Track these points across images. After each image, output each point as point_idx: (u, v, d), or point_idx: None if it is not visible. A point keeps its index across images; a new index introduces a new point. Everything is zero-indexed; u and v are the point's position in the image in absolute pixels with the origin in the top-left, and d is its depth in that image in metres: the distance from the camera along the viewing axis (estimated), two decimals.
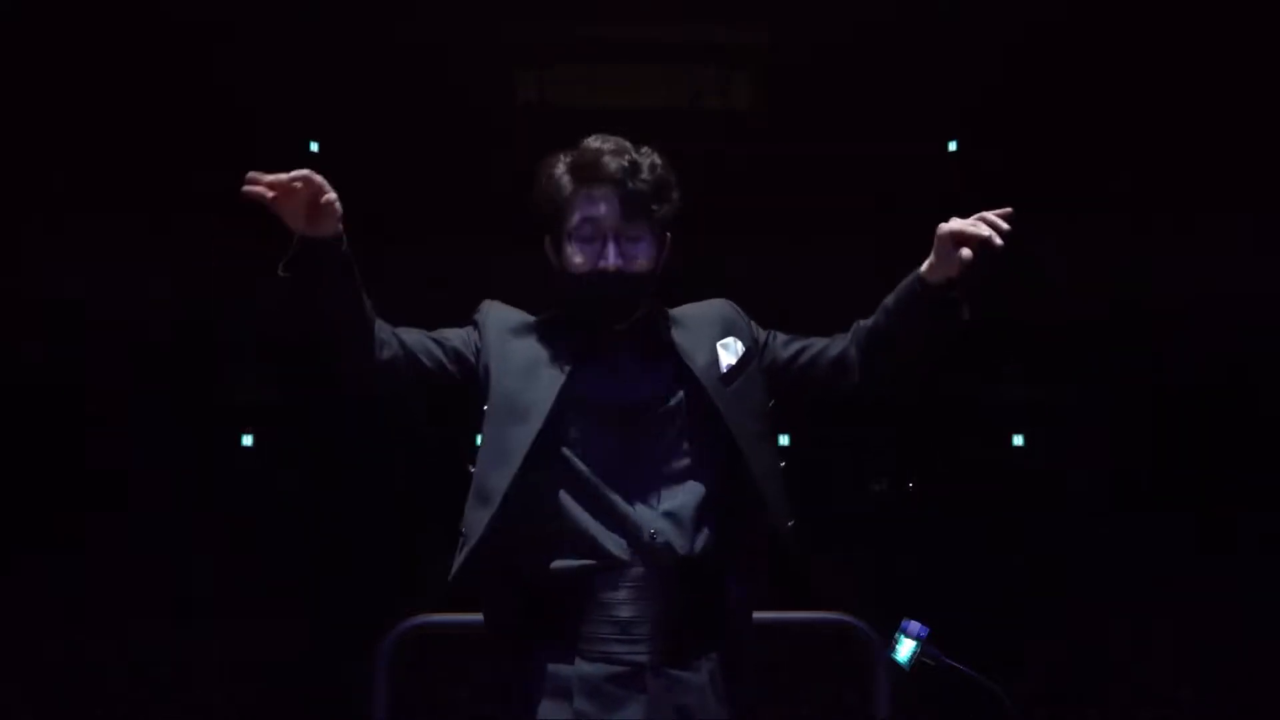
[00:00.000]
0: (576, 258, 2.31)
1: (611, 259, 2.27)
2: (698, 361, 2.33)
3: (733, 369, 2.34)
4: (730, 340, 2.37)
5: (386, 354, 2.22)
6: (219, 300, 14.29)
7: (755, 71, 15.18)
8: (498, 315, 2.42)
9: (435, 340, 2.36)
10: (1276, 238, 14.01)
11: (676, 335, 2.37)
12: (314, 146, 15.19)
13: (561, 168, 2.36)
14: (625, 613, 2.21)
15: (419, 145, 14.16)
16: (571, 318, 2.38)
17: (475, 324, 2.41)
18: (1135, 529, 13.99)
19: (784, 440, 17.27)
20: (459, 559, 2.26)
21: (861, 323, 2.39)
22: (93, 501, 14.20)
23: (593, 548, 2.22)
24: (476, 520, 2.24)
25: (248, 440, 16.49)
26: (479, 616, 2.38)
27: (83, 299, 14.10)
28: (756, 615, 2.48)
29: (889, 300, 2.32)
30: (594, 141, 2.34)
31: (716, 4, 13.87)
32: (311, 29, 13.16)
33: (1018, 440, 17.06)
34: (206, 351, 15.27)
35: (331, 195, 2.16)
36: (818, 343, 2.42)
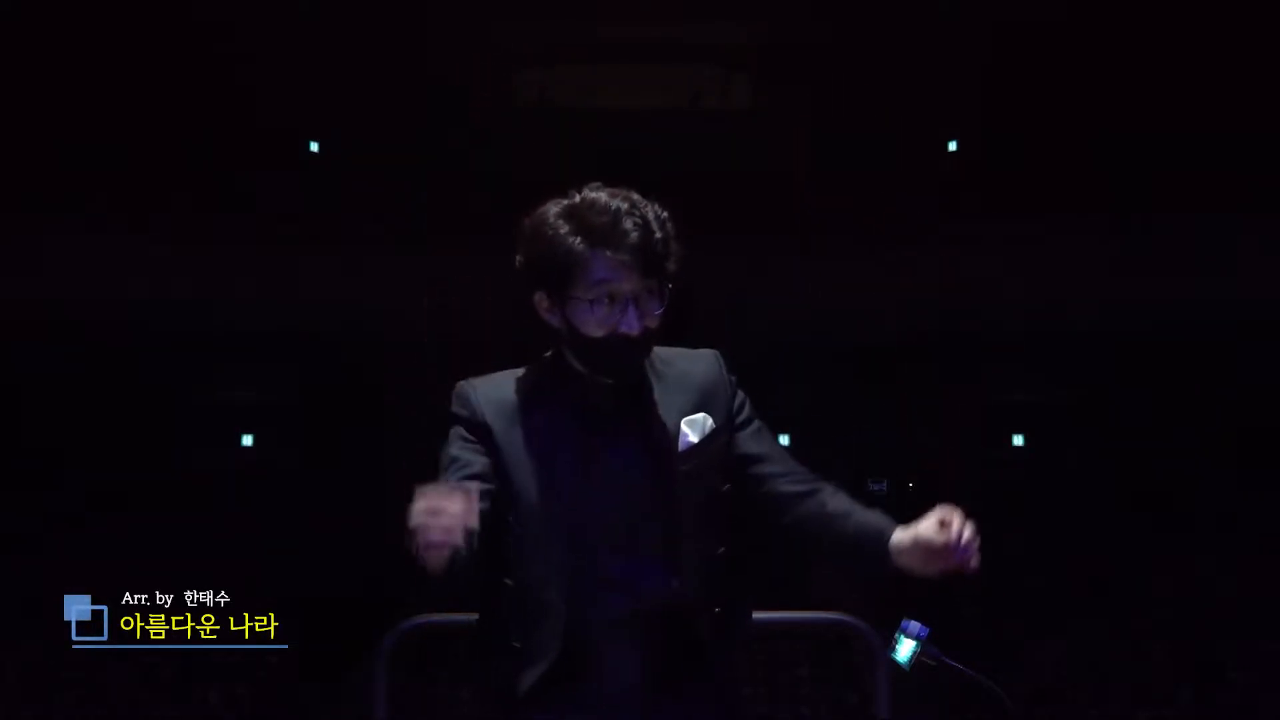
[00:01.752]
0: (593, 324, 2.15)
1: (635, 324, 2.14)
2: (665, 428, 2.23)
3: (691, 450, 2.23)
4: (699, 417, 2.25)
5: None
6: (222, 300, 14.28)
7: (755, 71, 15.19)
8: (487, 401, 2.25)
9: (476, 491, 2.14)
10: (1276, 241, 13.99)
11: (657, 391, 2.26)
12: (314, 146, 15.19)
13: (566, 226, 2.14)
14: (619, 654, 2.18)
15: (419, 145, 14.16)
16: (576, 373, 2.24)
17: (464, 421, 2.23)
18: (1135, 528, 14.00)
19: (784, 440, 17.30)
20: (531, 677, 2.15)
21: (823, 496, 2.25)
22: (93, 500, 14.21)
23: (598, 603, 2.18)
24: (544, 637, 2.15)
25: (248, 440, 16.49)
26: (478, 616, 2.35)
27: (82, 299, 14.09)
28: (757, 615, 2.47)
29: (849, 530, 2.20)
30: (600, 197, 2.15)
31: (716, 4, 13.89)
32: (312, 30, 13.17)
33: (1018, 440, 17.06)
34: (206, 352, 15.26)
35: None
36: (776, 468, 2.30)
